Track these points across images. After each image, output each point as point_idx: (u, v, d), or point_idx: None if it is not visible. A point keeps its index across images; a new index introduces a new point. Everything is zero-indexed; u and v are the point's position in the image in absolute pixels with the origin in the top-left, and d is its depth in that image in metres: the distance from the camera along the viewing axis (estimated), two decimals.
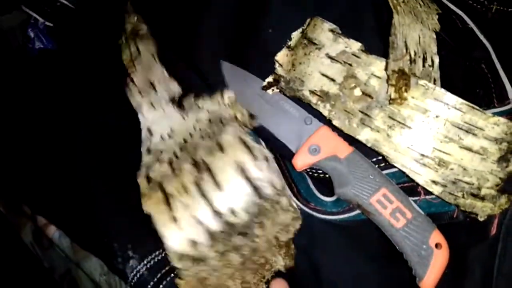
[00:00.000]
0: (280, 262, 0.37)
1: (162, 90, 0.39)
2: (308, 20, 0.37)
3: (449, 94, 0.31)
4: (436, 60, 0.34)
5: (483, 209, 0.33)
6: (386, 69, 0.32)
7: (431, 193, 0.33)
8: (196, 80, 0.41)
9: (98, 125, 0.45)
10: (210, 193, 0.33)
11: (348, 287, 0.38)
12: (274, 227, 0.35)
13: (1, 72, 0.54)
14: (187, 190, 0.33)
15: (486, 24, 0.40)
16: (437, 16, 0.38)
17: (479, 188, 0.32)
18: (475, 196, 0.32)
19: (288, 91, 0.37)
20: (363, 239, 0.39)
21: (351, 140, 0.35)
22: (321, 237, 0.39)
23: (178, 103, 0.38)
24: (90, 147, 0.44)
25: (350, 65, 0.34)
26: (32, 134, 0.48)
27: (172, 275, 0.38)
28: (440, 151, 0.32)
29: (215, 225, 0.32)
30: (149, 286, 0.37)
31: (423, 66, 0.33)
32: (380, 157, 0.35)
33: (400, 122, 0.32)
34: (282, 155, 0.39)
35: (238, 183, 0.33)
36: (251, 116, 0.37)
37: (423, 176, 0.32)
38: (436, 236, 0.32)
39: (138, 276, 0.38)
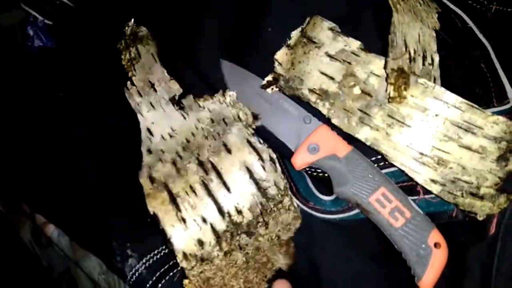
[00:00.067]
0: (281, 261, 0.37)
1: (162, 90, 0.39)
2: (307, 19, 0.37)
3: (448, 92, 0.31)
4: (436, 58, 0.34)
5: (482, 208, 0.32)
6: (385, 67, 0.32)
7: (430, 192, 0.33)
8: (196, 80, 0.41)
9: (97, 124, 0.45)
10: (217, 193, 0.33)
11: (347, 286, 0.39)
12: (276, 226, 0.35)
13: (1, 70, 0.54)
14: (194, 190, 0.33)
15: (486, 23, 0.40)
16: (436, 15, 0.38)
17: (478, 187, 0.32)
18: (474, 195, 0.32)
19: (288, 90, 0.37)
20: (362, 238, 0.39)
21: (350, 139, 0.35)
22: (320, 236, 0.39)
23: (178, 102, 0.38)
24: (89, 146, 0.44)
25: (349, 63, 0.34)
26: (32, 133, 0.48)
27: (171, 274, 0.38)
28: (439, 149, 0.32)
29: (221, 225, 0.33)
30: (147, 285, 0.37)
31: (423, 64, 0.33)
32: (379, 156, 0.35)
33: (399, 121, 0.32)
34: (281, 154, 0.39)
35: (245, 183, 0.34)
36: (254, 115, 0.37)
37: (422, 175, 0.32)
38: (435, 236, 0.32)
39: (137, 275, 0.38)
